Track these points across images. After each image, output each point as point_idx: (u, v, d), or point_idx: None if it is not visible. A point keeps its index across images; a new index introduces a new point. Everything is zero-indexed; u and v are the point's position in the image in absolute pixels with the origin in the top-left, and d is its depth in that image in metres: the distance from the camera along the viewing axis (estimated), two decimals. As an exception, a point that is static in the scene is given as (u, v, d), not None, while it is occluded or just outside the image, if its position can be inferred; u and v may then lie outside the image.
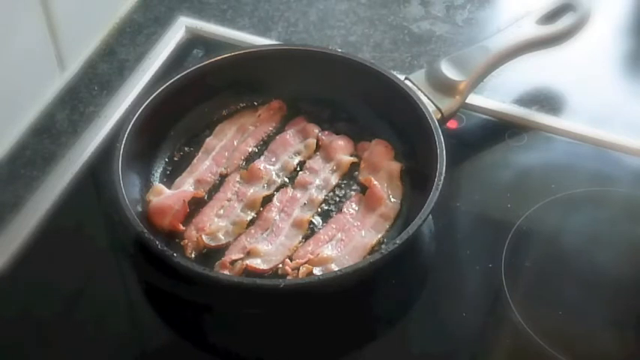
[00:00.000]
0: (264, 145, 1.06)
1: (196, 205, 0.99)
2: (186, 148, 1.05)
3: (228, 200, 1.00)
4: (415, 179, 1.00)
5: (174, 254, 0.90)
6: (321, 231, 0.97)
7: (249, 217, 0.99)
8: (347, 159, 1.03)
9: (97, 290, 0.96)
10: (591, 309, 0.94)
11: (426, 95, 1.02)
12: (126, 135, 0.97)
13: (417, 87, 1.03)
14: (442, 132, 0.98)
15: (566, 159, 1.07)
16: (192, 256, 0.95)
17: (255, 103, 1.09)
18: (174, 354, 0.92)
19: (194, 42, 1.19)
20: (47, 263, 0.96)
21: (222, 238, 0.97)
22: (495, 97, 1.12)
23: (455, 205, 1.02)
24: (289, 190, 1.01)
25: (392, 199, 1.00)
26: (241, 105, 1.09)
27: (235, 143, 1.05)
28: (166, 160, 1.04)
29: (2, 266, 0.95)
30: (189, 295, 0.93)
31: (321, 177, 1.02)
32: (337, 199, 1.01)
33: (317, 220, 0.99)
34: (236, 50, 1.08)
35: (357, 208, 0.99)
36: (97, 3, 1.17)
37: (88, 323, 0.93)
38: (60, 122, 1.09)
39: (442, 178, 0.94)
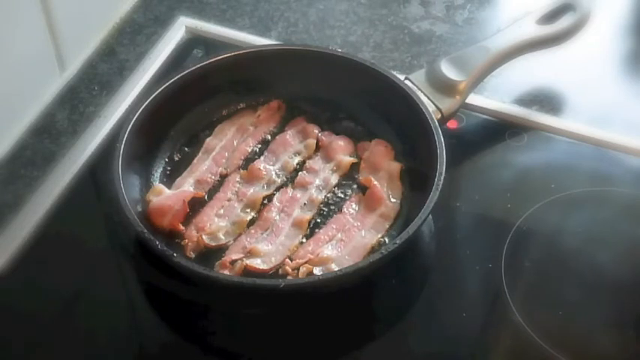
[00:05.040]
0: (264, 145, 1.06)
1: (196, 205, 0.99)
2: (186, 148, 1.05)
3: (228, 200, 1.00)
4: (415, 179, 1.00)
5: (174, 254, 0.90)
6: (321, 231, 0.97)
7: (249, 217, 0.99)
8: (347, 159, 1.03)
9: (97, 290, 0.96)
10: (591, 309, 0.94)
11: (426, 95, 1.02)
12: (126, 135, 0.97)
13: (417, 87, 1.03)
14: (442, 132, 0.98)
15: (566, 159, 1.07)
16: (192, 256, 0.95)
17: (255, 103, 1.09)
18: (174, 354, 0.92)
19: (194, 42, 1.19)
20: (47, 263, 0.96)
21: (223, 238, 0.97)
22: (495, 97, 1.12)
23: (455, 205, 1.02)
24: (289, 190, 1.01)
25: (392, 199, 1.00)
26: (241, 105, 1.09)
27: (235, 143, 1.05)
28: (166, 160, 1.04)
29: (2, 266, 0.95)
30: (189, 295, 0.93)
31: (321, 177, 1.02)
32: (337, 199, 1.01)
33: (317, 220, 0.99)
34: (236, 50, 1.08)
35: (357, 208, 0.99)
36: (97, 3, 1.17)
37: (88, 323, 0.93)
38: (60, 122, 1.09)
39: (442, 178, 0.94)
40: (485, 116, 1.11)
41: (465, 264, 0.98)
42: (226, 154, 1.04)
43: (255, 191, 1.01)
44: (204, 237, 0.96)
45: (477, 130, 1.10)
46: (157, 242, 0.90)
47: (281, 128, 1.07)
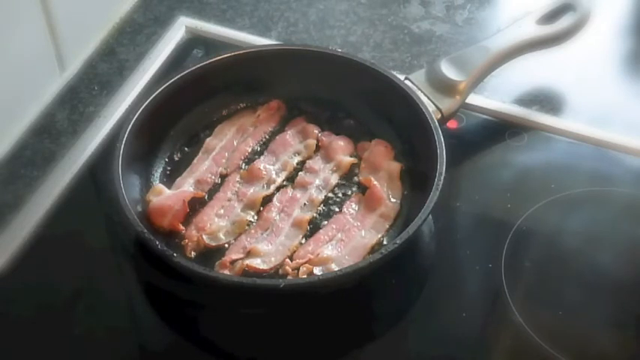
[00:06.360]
0: (264, 145, 1.06)
1: (196, 205, 0.99)
2: (186, 148, 1.05)
3: (229, 200, 1.00)
4: (415, 179, 1.00)
5: (174, 254, 0.90)
6: (321, 231, 0.97)
7: (249, 217, 0.99)
8: (347, 160, 1.03)
9: (97, 290, 0.96)
10: (591, 309, 0.94)
11: (426, 95, 1.02)
12: (126, 135, 0.97)
13: (417, 87, 1.03)
14: (442, 132, 0.98)
15: (566, 159, 1.07)
16: (192, 256, 0.95)
17: (255, 103, 1.09)
18: (175, 354, 0.92)
19: (194, 42, 1.19)
20: (47, 263, 0.96)
21: (223, 237, 0.97)
22: (495, 97, 1.12)
23: (455, 205, 1.02)
24: (289, 190, 1.01)
25: (392, 199, 1.00)
26: (241, 105, 1.09)
27: (235, 143, 1.05)
28: (166, 160, 1.04)
29: (2, 266, 0.95)
30: (189, 295, 0.93)
31: (321, 177, 1.02)
32: (337, 199, 1.01)
33: (317, 220, 0.99)
34: (236, 50, 1.08)
35: (357, 208, 0.99)
36: (97, 3, 1.17)
37: (88, 323, 0.93)
38: (60, 122, 1.09)
39: (442, 178, 0.94)
40: (485, 116, 1.11)
41: (465, 264, 0.98)
42: (226, 154, 1.04)
43: (255, 191, 1.01)
44: (204, 237, 0.96)
45: (477, 130, 1.10)
46: (157, 242, 0.90)
47: (281, 128, 1.07)
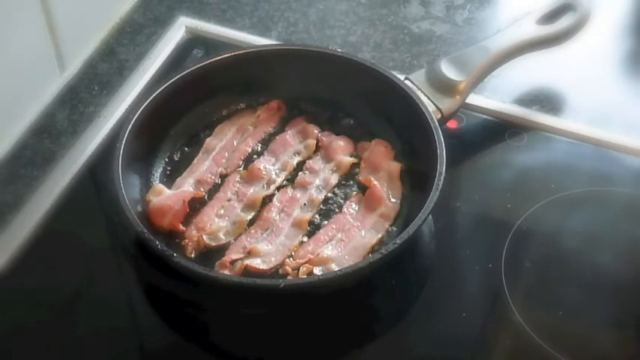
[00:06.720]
0: (264, 145, 1.06)
1: (196, 205, 0.99)
2: (186, 148, 1.05)
3: (229, 200, 1.00)
4: (415, 179, 1.00)
5: (175, 254, 0.90)
6: (321, 231, 0.97)
7: (249, 217, 0.99)
8: (347, 160, 1.03)
9: (97, 290, 0.96)
10: (591, 309, 0.94)
11: (426, 95, 1.02)
12: (126, 135, 0.97)
13: (417, 87, 1.03)
14: (442, 132, 0.98)
15: (566, 159, 1.07)
16: (193, 256, 0.95)
17: (255, 103, 1.09)
18: (175, 354, 0.92)
19: (194, 42, 1.19)
20: (47, 263, 0.96)
21: (223, 237, 0.97)
22: (495, 97, 1.12)
23: (455, 205, 1.02)
24: (289, 190, 1.01)
25: (392, 199, 1.00)
26: (241, 105, 1.09)
27: (235, 143, 1.05)
28: (166, 160, 1.04)
29: (2, 266, 0.95)
30: (189, 295, 0.93)
31: (321, 177, 1.02)
32: (337, 199, 1.01)
33: (317, 220, 0.99)
34: (236, 50, 1.08)
35: (357, 208, 0.99)
36: (97, 3, 1.17)
37: (88, 323, 0.93)
38: (60, 122, 1.09)
39: (442, 178, 0.94)
40: (485, 116, 1.11)
41: (465, 264, 0.98)
42: (226, 154, 1.04)
43: (255, 191, 1.01)
44: (204, 237, 0.96)
45: (477, 130, 1.10)
46: (157, 242, 0.90)
47: (281, 128, 1.07)
